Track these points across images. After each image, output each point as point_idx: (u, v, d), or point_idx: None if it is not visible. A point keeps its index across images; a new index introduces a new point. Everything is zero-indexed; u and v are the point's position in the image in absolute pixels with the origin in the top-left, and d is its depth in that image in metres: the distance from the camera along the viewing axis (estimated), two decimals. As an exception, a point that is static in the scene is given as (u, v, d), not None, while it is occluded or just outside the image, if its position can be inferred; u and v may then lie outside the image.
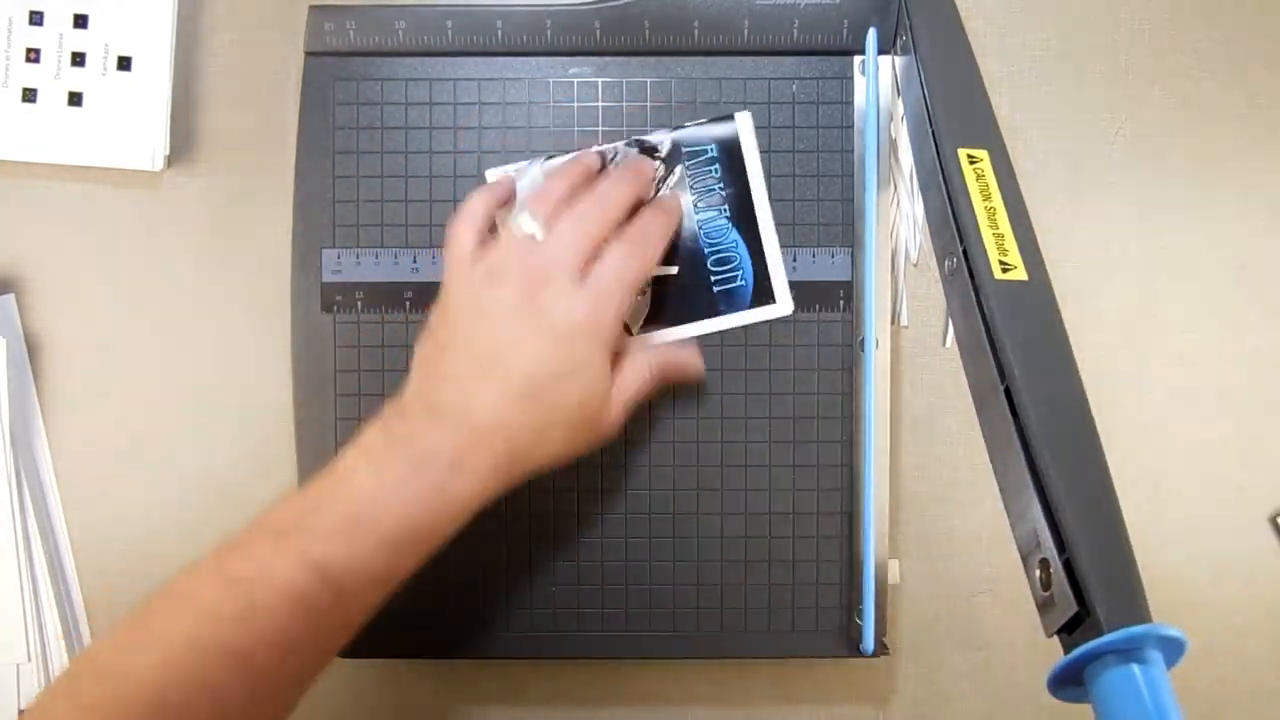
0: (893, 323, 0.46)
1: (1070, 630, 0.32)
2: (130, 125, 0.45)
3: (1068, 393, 0.35)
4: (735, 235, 0.45)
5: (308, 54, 0.45)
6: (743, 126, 0.45)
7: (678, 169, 0.45)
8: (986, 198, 0.38)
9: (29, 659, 0.45)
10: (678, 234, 0.44)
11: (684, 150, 0.45)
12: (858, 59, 0.45)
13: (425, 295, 0.45)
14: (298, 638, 0.34)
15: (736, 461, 0.45)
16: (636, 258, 0.40)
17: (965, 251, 0.37)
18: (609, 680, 0.48)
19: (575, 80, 0.45)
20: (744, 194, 0.45)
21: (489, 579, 0.45)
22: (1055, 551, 0.33)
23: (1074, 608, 0.32)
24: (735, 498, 0.45)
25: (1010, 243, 0.37)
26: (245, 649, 0.33)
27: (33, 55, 0.45)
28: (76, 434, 0.47)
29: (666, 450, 0.45)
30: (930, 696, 0.48)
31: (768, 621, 0.45)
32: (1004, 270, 0.37)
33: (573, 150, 0.45)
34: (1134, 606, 0.32)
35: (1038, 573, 0.34)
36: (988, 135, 0.40)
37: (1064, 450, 0.34)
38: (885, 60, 0.44)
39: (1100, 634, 0.31)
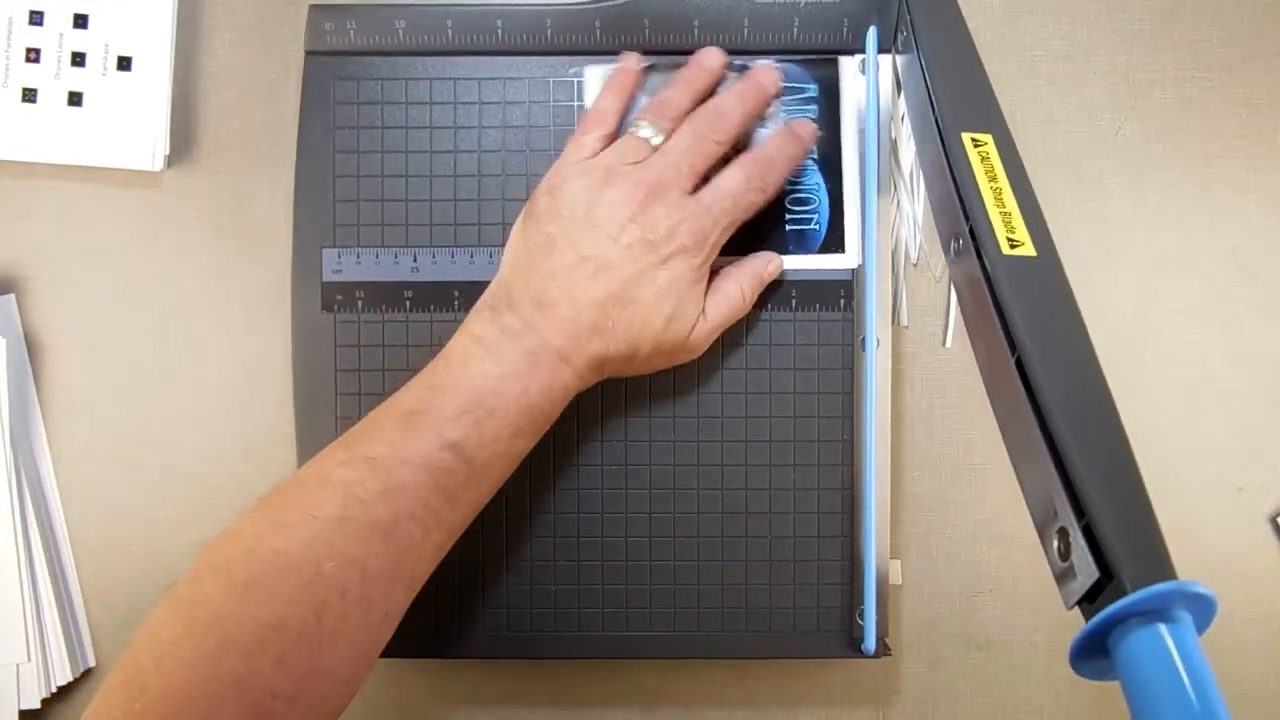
0: (893, 323, 0.46)
1: (1092, 599, 0.31)
2: (130, 125, 0.45)
3: (1081, 359, 0.34)
4: (819, 178, 0.45)
5: (308, 53, 0.45)
6: (845, 72, 0.44)
7: (776, 103, 0.44)
8: (992, 179, 0.38)
9: (29, 659, 0.45)
10: None
11: (785, 85, 0.44)
12: (857, 58, 0.45)
13: (425, 295, 0.45)
14: (437, 509, 0.36)
15: (737, 461, 0.45)
16: (755, 190, 0.41)
17: (972, 230, 0.37)
18: (609, 680, 0.48)
19: (576, 80, 0.45)
20: (835, 140, 0.45)
21: (489, 579, 0.45)
22: (1074, 518, 0.31)
23: (1095, 574, 0.30)
24: (735, 497, 0.45)
25: (1017, 220, 0.37)
26: (390, 524, 0.35)
27: (33, 55, 0.44)
28: (76, 434, 0.47)
29: (667, 449, 0.45)
30: (931, 697, 0.48)
31: (768, 622, 0.45)
32: (1012, 246, 0.36)
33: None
34: (1159, 566, 0.30)
35: (1055, 543, 0.33)
36: (991, 120, 0.39)
37: (1079, 415, 0.33)
38: (885, 59, 0.44)
39: (1124, 595, 0.29)
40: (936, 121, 0.39)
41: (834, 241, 0.45)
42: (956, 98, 0.40)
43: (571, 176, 0.40)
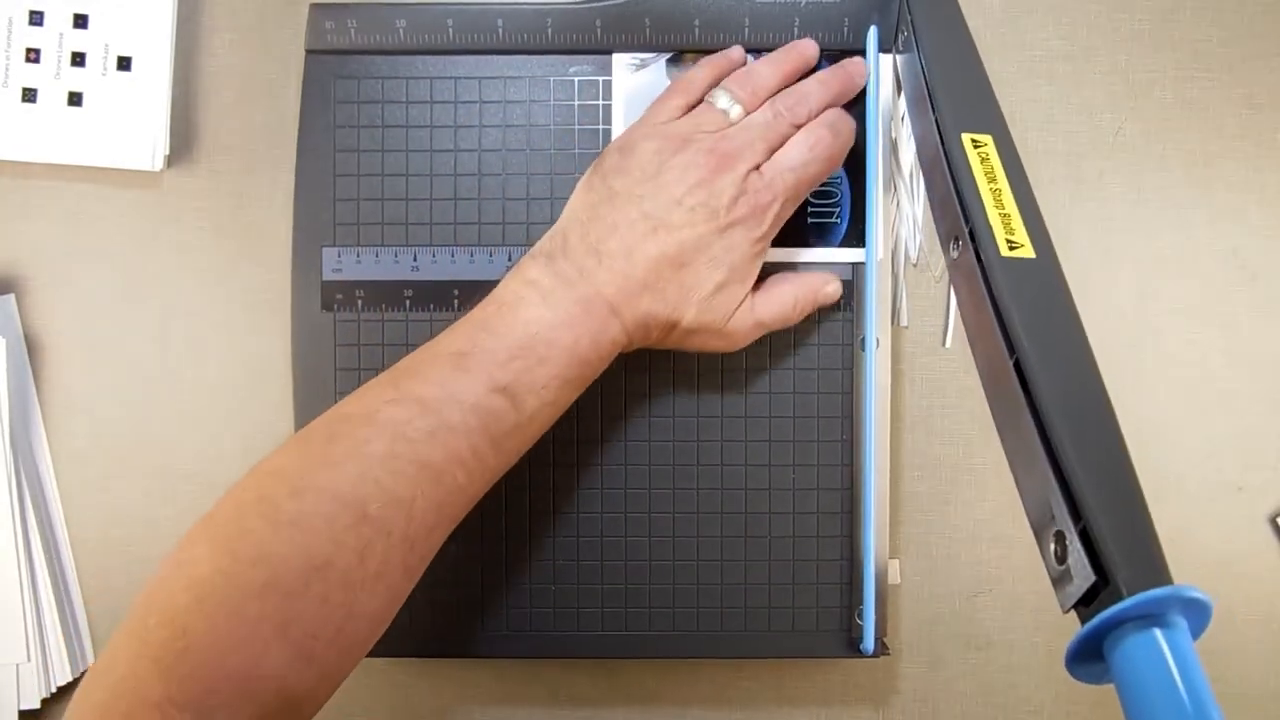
0: (893, 323, 0.46)
1: (1088, 603, 0.31)
2: (130, 125, 0.45)
3: (1079, 363, 0.35)
4: (842, 173, 0.45)
5: (308, 52, 0.45)
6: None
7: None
8: (992, 180, 0.38)
9: (29, 659, 0.45)
10: None
11: None
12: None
13: (425, 294, 0.45)
14: (483, 455, 0.36)
15: (737, 461, 0.45)
16: (817, 158, 0.41)
17: (971, 232, 0.37)
18: (608, 680, 0.48)
19: (576, 79, 0.45)
20: (859, 134, 0.44)
21: (488, 578, 0.45)
22: (1070, 522, 0.32)
23: (1091, 578, 0.31)
24: (735, 497, 0.45)
25: (1016, 222, 0.37)
26: (439, 465, 0.35)
27: (33, 55, 0.44)
28: (76, 434, 0.47)
29: (666, 449, 0.45)
30: (930, 697, 0.48)
31: (768, 621, 0.45)
32: (1011, 248, 0.36)
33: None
34: (1155, 570, 0.30)
35: (1052, 546, 0.33)
36: (991, 121, 0.40)
37: (1076, 418, 0.33)
38: (886, 59, 0.44)
39: (1120, 600, 0.29)
40: (936, 122, 0.39)
41: (856, 236, 0.45)
42: (956, 98, 0.40)
43: (646, 138, 0.40)
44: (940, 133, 0.39)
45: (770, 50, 0.44)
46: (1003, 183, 0.38)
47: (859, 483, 0.45)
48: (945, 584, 0.47)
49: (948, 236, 0.39)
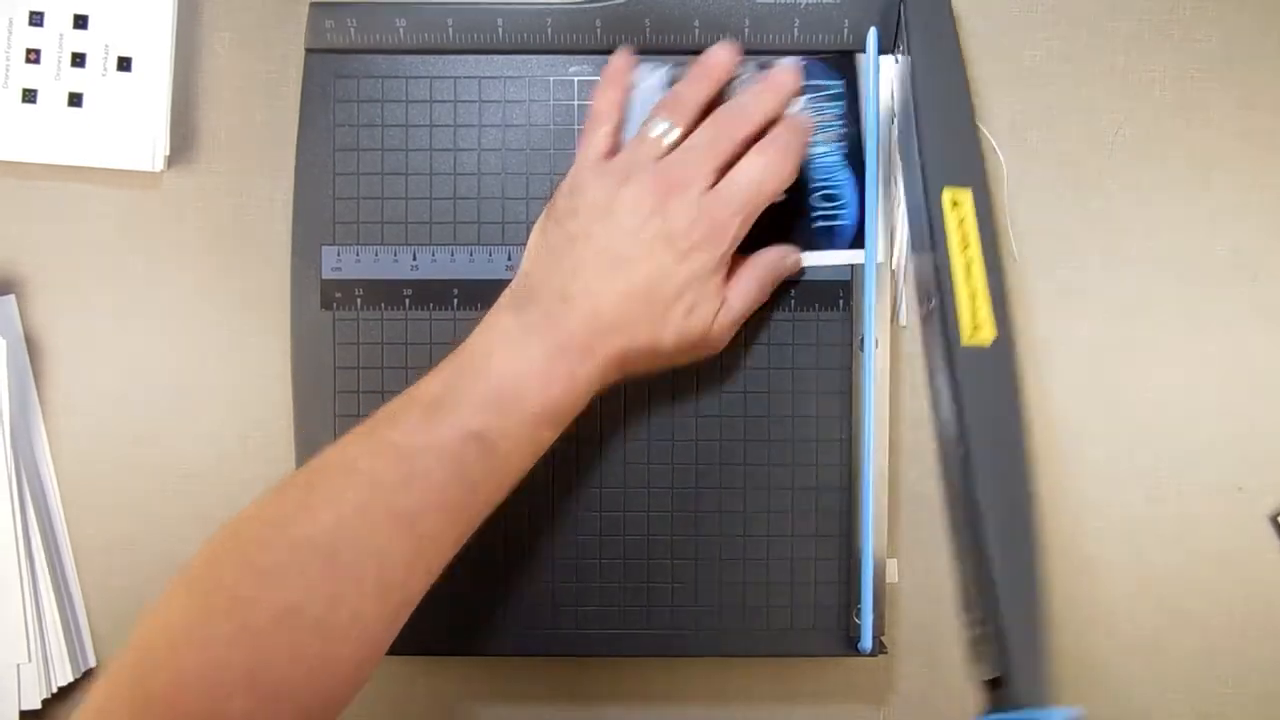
0: (892, 322, 0.46)
1: (993, 686, 0.37)
2: (130, 125, 0.45)
3: (1015, 467, 0.39)
4: (847, 174, 0.44)
5: (308, 51, 0.45)
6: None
7: (800, 100, 0.44)
8: (965, 246, 0.40)
9: (29, 659, 0.45)
10: None
11: (810, 83, 0.44)
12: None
13: (425, 293, 0.45)
14: (458, 502, 0.36)
15: (736, 460, 0.45)
16: (772, 176, 0.41)
17: (942, 304, 0.40)
18: (607, 678, 0.48)
19: (576, 79, 0.45)
20: (862, 135, 0.44)
21: (487, 576, 0.45)
22: (990, 615, 0.37)
23: (996, 672, 0.37)
24: (734, 496, 0.45)
25: (982, 299, 0.40)
26: (411, 513, 0.35)
27: (33, 55, 0.45)
28: (76, 434, 0.47)
29: (665, 448, 0.45)
30: (929, 696, 0.48)
31: (766, 619, 0.45)
32: (975, 330, 0.39)
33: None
34: (1043, 686, 0.37)
35: (973, 624, 0.39)
36: (972, 171, 0.41)
37: (1005, 526, 0.38)
38: (886, 59, 0.44)
39: (1017, 705, 0.36)
40: (922, 168, 0.41)
41: (864, 237, 0.45)
42: (942, 146, 0.41)
43: (590, 176, 0.40)
44: (924, 184, 0.41)
45: (770, 52, 0.44)
46: (975, 251, 0.40)
47: (857, 482, 0.45)
48: (944, 584, 0.47)
49: (922, 292, 0.43)
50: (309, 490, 0.35)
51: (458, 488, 0.36)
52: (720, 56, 0.43)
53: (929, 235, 0.41)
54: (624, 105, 0.42)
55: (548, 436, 0.39)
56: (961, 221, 0.40)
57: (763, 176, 0.40)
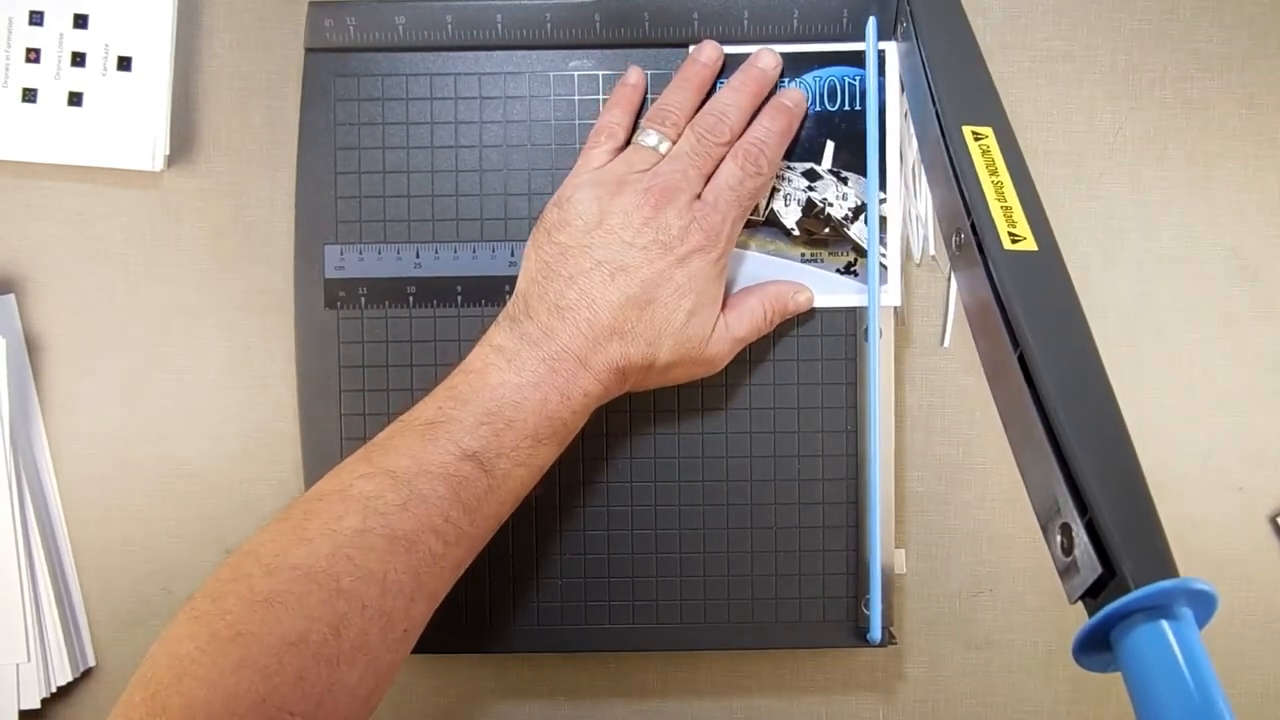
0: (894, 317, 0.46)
1: (1095, 594, 0.32)
2: (130, 125, 0.45)
3: (1082, 355, 0.35)
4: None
5: (308, 50, 0.45)
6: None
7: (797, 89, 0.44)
8: (993, 172, 0.38)
9: (29, 659, 0.45)
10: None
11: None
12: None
13: (428, 290, 0.45)
14: (458, 522, 0.36)
15: (742, 452, 0.45)
16: (751, 175, 0.41)
17: (973, 225, 0.37)
18: (616, 672, 0.48)
19: (576, 74, 0.45)
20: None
21: (493, 573, 0.45)
22: (1077, 514, 0.32)
23: (1098, 570, 0.31)
24: (741, 489, 0.45)
25: (1019, 215, 0.37)
26: (411, 536, 0.35)
27: (33, 55, 0.44)
28: (76, 434, 0.47)
29: (672, 441, 0.45)
30: (931, 695, 0.48)
31: (774, 612, 0.45)
32: (1014, 241, 0.36)
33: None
34: (1161, 562, 0.31)
35: (1059, 539, 0.33)
36: (992, 113, 0.40)
37: (1081, 411, 0.33)
38: (887, 49, 0.44)
39: (1127, 592, 0.30)
40: (937, 114, 0.40)
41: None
42: (956, 90, 0.40)
43: (581, 187, 0.40)
44: (941, 125, 0.39)
45: (769, 43, 0.44)
46: (1004, 175, 0.38)
47: (864, 472, 0.45)
48: (945, 583, 0.47)
49: (950, 230, 0.39)
50: (307, 519, 0.35)
51: (456, 510, 0.36)
52: (703, 57, 0.43)
53: (953, 170, 0.39)
54: (629, 125, 0.43)
55: (547, 454, 0.39)
56: (986, 151, 0.38)
57: (741, 179, 0.41)
